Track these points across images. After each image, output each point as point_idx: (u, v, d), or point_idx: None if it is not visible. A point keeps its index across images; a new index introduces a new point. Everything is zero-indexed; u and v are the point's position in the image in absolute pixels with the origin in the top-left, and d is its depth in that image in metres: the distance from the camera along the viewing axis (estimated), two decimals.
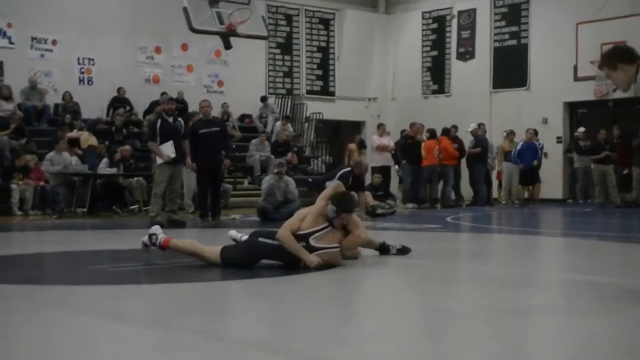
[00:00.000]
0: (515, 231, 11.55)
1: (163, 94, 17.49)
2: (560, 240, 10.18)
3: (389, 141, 17.92)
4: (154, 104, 17.86)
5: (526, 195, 18.54)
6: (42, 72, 17.87)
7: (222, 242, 6.75)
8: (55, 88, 18.00)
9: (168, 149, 11.50)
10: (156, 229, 6.80)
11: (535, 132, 18.98)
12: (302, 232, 6.27)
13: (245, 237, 6.88)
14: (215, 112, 16.39)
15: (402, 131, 18.60)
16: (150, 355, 3.58)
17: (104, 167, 14.77)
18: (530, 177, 18.17)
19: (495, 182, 19.02)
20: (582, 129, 18.08)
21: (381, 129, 18.00)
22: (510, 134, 18.80)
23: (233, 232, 7.19)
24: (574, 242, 9.49)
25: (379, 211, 13.94)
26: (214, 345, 3.73)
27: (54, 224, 12.36)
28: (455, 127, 18.23)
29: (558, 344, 3.77)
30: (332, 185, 6.84)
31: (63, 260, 7.61)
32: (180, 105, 18.14)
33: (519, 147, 18.02)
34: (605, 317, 4.45)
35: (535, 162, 18.01)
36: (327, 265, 6.25)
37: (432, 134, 17.55)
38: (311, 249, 6.25)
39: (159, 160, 11.63)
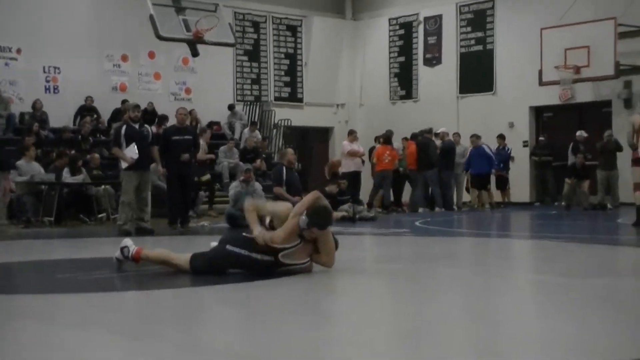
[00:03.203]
0: (484, 234, 11.65)
1: (124, 101, 17.45)
2: (527, 242, 10.29)
3: (359, 147, 17.98)
4: (117, 113, 17.79)
5: (479, 200, 18.37)
6: (6, 81, 17.70)
7: (192, 249, 6.71)
8: (21, 97, 17.83)
9: (131, 151, 11.44)
10: (126, 241, 6.71)
11: (503, 137, 19.26)
12: (273, 246, 6.19)
13: None
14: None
15: (437, 134, 18.63)
16: None
17: (68, 177, 14.60)
18: (481, 182, 18.15)
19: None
20: (582, 133, 17.73)
21: (352, 135, 18.03)
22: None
23: (214, 244, 6.99)
24: (541, 244, 9.60)
25: (358, 216, 14.00)
26: (186, 353, 3.72)
27: (20, 233, 12.22)
28: (429, 131, 18.27)
29: (529, 346, 3.81)
30: (306, 200, 6.36)
31: (30, 269, 7.53)
32: (149, 117, 18.07)
33: (467, 153, 18.14)
34: (574, 318, 4.51)
35: (493, 170, 18.18)
36: (297, 271, 6.25)
37: (384, 139, 17.67)
38: (280, 265, 6.22)
39: (124, 165, 11.57)
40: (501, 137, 19.30)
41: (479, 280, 6.29)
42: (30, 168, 14.44)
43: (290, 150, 13.80)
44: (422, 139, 18.05)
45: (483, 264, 7.87)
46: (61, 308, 5.10)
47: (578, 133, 17.75)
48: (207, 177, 16.31)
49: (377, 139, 18.51)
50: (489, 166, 18.17)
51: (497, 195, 19.16)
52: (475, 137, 18.33)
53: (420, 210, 17.24)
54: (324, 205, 6.30)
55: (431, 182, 17.70)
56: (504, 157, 19.17)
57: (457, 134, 19.09)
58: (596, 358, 3.42)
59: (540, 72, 19.27)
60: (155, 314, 4.96)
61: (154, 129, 17.04)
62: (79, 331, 4.25)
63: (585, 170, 17.05)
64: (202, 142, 17.08)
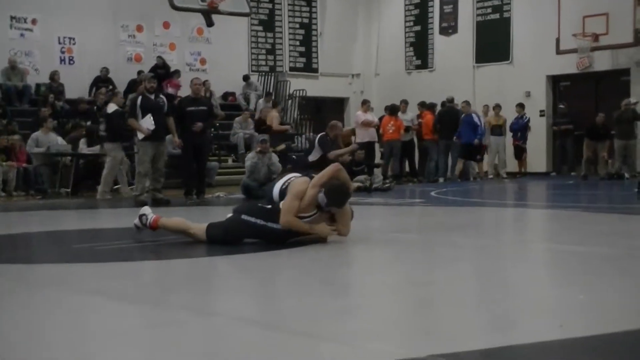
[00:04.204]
0: (501, 204, 11.61)
1: (140, 72, 17.46)
2: (543, 212, 10.25)
3: (373, 117, 17.93)
4: (132, 84, 17.81)
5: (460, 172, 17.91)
6: (22, 51, 17.73)
7: (207, 220, 6.73)
8: (36, 68, 17.87)
9: (147, 122, 11.47)
10: (145, 209, 6.79)
11: (522, 106, 19.09)
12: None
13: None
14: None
15: (443, 103, 18.47)
16: (140, 331, 3.58)
17: (84, 148, 14.66)
18: (469, 152, 17.73)
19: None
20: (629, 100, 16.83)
21: (366, 105, 17.99)
22: (496, 108, 18.89)
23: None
24: (558, 214, 9.56)
25: (373, 186, 13.99)
26: (204, 321, 3.74)
27: (37, 204, 12.29)
28: (452, 100, 18.13)
29: (542, 313, 3.80)
30: (326, 172, 6.33)
31: (48, 239, 7.59)
32: (162, 70, 18.17)
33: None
34: (588, 287, 4.49)
35: (476, 140, 17.56)
36: (312, 240, 6.27)
37: (390, 110, 17.62)
38: (295, 234, 6.25)
39: (140, 136, 11.60)
40: (520, 106, 19.11)
41: (494, 249, 6.28)
42: (47, 139, 14.50)
43: (340, 126, 13.70)
44: (447, 108, 17.96)
45: (498, 233, 7.86)
46: (79, 277, 5.14)
47: (625, 101, 17.08)
48: (282, 147, 16.66)
49: (386, 108, 18.46)
50: (473, 135, 17.57)
51: (514, 165, 19.10)
52: (465, 104, 17.98)
53: (441, 180, 17.18)
54: (341, 184, 6.28)
55: (454, 150, 17.61)
56: (521, 127, 19.02)
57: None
58: (610, 327, 3.41)
59: (557, 41, 19.12)
60: (172, 282, 4.99)
61: (170, 90, 17.17)
62: (100, 299, 4.27)
63: (606, 130, 16.83)
64: (276, 114, 17.22)
